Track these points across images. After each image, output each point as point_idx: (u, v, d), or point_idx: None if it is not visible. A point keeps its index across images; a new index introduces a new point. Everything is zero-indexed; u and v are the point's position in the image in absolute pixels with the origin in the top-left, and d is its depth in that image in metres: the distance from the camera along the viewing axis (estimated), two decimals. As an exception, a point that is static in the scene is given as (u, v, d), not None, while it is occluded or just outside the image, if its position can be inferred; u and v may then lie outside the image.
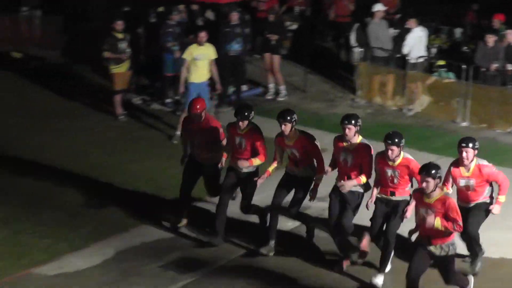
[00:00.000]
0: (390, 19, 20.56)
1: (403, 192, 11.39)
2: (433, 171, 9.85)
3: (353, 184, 11.41)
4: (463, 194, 11.58)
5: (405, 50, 19.36)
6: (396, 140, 11.09)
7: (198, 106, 12.74)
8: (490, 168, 11.44)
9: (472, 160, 11.26)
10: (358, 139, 11.58)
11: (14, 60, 22.85)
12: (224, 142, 13.07)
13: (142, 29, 20.35)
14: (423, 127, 18.83)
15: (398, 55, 19.72)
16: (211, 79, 17.87)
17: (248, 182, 12.60)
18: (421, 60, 19.40)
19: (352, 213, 11.61)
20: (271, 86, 20.51)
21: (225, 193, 12.77)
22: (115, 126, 18.76)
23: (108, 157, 16.96)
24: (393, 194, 11.35)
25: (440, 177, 9.99)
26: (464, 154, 11.19)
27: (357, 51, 20.51)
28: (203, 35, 17.59)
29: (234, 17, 19.43)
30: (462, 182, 11.43)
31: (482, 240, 12.50)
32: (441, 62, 19.70)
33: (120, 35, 18.62)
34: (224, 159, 12.92)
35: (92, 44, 20.74)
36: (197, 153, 13.09)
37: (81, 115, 19.43)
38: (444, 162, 15.75)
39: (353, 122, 11.43)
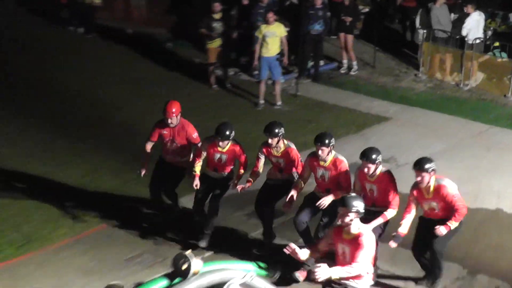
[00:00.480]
0: (450, 4, 20.12)
1: (384, 203, 10.23)
2: (353, 202, 8.37)
3: (331, 200, 10.23)
4: (430, 213, 10.13)
5: (463, 32, 18.99)
6: (373, 156, 10.08)
7: (173, 110, 11.21)
8: (448, 190, 9.82)
9: (428, 182, 9.84)
10: (331, 155, 10.45)
11: (128, 36, 23.15)
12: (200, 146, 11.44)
13: (236, 10, 20.30)
14: (477, 100, 18.47)
15: (457, 37, 19.34)
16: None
17: (221, 185, 11.29)
18: (477, 41, 18.98)
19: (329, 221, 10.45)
20: (345, 61, 20.39)
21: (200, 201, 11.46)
22: (209, 94, 18.98)
23: (202, 120, 16.59)
24: (374, 205, 10.20)
25: (358, 211, 8.36)
26: (419, 178, 9.86)
27: (421, 32, 20.15)
28: (270, 15, 17.64)
29: (318, 1, 19.23)
30: (425, 205, 10.11)
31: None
32: (496, 44, 19.27)
33: (216, 16, 18.71)
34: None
35: (193, 23, 20.67)
36: (168, 157, 11.62)
37: (181, 84, 19.51)
38: (495, 132, 16.76)
39: (326, 142, 10.28)
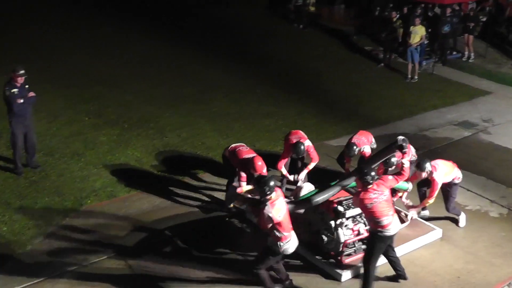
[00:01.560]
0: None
1: None
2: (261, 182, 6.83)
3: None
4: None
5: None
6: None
7: (260, 164, 8.62)
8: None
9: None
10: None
11: (330, 29, 22.23)
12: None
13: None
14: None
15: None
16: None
17: None
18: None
19: None
20: (466, 53, 19.26)
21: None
22: (377, 70, 18.09)
23: (371, 85, 16.59)
24: None
25: (264, 191, 6.72)
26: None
27: (520, 34, 19.23)
28: (416, 20, 17.23)
29: (448, 11, 18.56)
30: None
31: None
32: None
33: (394, 20, 18.22)
34: None
35: (372, 24, 20.57)
36: None
37: (359, 62, 18.89)
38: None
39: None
